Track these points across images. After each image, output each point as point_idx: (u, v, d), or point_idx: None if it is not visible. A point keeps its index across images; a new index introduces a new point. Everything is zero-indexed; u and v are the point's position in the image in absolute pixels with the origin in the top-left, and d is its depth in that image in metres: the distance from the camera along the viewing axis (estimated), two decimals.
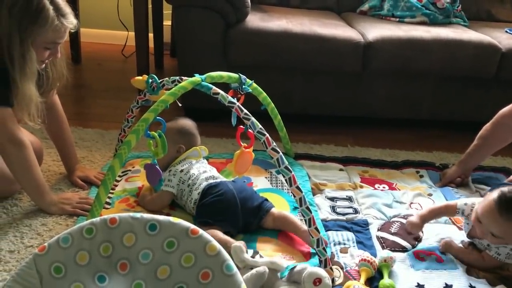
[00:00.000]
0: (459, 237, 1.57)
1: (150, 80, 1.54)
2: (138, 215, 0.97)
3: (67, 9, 1.37)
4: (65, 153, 1.73)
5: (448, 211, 1.57)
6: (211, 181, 1.54)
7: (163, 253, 0.94)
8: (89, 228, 0.95)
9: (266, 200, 1.56)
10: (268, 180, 1.83)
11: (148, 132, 1.42)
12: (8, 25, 1.29)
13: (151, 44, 2.81)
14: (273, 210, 1.53)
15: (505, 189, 1.36)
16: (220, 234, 1.39)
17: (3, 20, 1.29)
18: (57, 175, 1.78)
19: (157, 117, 1.43)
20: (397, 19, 2.56)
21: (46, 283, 0.91)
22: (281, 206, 1.65)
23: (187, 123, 1.68)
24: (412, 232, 1.55)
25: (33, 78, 1.38)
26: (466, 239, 1.55)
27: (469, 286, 1.37)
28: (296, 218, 1.51)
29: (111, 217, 0.96)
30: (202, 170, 1.58)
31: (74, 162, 1.75)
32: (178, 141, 1.62)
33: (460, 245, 1.53)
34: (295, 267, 1.25)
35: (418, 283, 1.37)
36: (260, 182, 1.81)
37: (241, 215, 1.47)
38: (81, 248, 0.95)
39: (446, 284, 1.37)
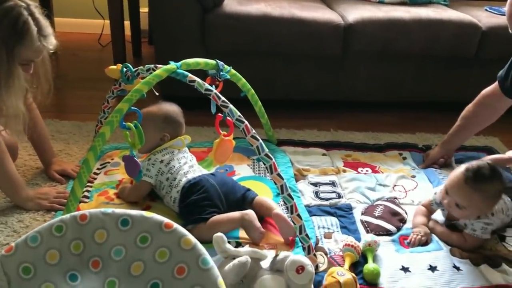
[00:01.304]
0: (442, 218, 1.56)
1: (125, 69, 1.50)
2: (109, 210, 0.93)
3: (48, 29, 1.38)
4: (41, 147, 1.70)
5: (429, 209, 1.56)
6: (190, 176, 1.49)
7: (137, 248, 0.91)
8: (58, 225, 0.91)
9: (249, 190, 1.53)
10: (251, 168, 1.81)
11: (124, 123, 1.38)
12: None
13: (128, 32, 2.75)
14: (256, 198, 1.50)
15: (474, 162, 1.42)
16: (223, 215, 1.38)
17: None
18: (33, 170, 1.73)
19: (132, 107, 1.39)
20: (377, 0, 2.53)
21: (14, 284, 0.87)
22: (264, 193, 1.63)
23: (174, 110, 1.61)
24: (427, 239, 1.47)
25: (21, 95, 1.39)
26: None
27: (453, 267, 1.37)
28: (270, 201, 1.49)
29: (81, 213, 0.93)
30: (183, 162, 1.54)
31: (51, 156, 1.72)
32: (163, 129, 1.56)
33: (444, 226, 1.52)
34: (277, 255, 1.23)
35: (402, 266, 1.36)
36: (242, 170, 1.78)
37: (226, 209, 1.44)
38: (51, 246, 0.91)
39: (430, 265, 1.37)
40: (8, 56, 1.30)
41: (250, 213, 1.38)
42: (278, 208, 1.45)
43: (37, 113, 1.64)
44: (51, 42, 1.39)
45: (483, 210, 1.42)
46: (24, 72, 1.40)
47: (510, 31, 1.40)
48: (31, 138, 1.67)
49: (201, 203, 1.41)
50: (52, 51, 1.43)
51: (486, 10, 2.52)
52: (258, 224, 1.36)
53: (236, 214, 1.39)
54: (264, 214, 1.47)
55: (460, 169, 1.42)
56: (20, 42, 1.31)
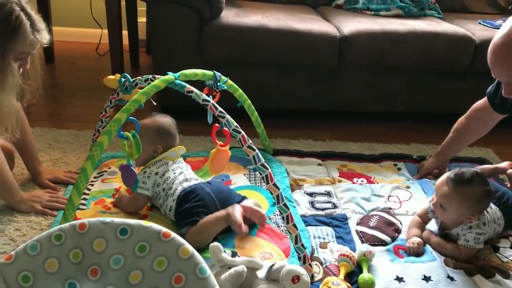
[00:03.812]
0: (436, 227, 1.58)
1: (123, 79, 1.51)
2: (108, 219, 0.94)
3: (41, 25, 1.38)
4: (29, 156, 1.70)
5: (423, 218, 1.59)
6: (185, 184, 1.50)
7: (135, 257, 0.92)
8: (58, 234, 0.92)
9: (245, 197, 1.55)
10: (247, 177, 1.82)
11: (121, 132, 1.40)
12: None
13: (126, 41, 2.77)
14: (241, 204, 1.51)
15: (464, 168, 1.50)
16: (212, 215, 1.39)
17: None
18: (30, 178, 1.73)
19: (130, 117, 1.40)
20: (373, 13, 2.57)
21: None
22: (260, 203, 1.64)
23: (167, 122, 1.62)
24: (420, 252, 1.48)
25: (15, 91, 1.38)
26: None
27: (447, 277, 1.39)
28: (249, 202, 1.51)
29: (80, 222, 0.93)
30: (178, 172, 1.54)
31: (38, 164, 1.72)
32: (155, 142, 1.56)
33: (438, 237, 1.54)
34: (273, 265, 1.24)
35: (397, 276, 1.38)
36: (238, 180, 1.79)
37: None
38: (50, 255, 0.92)
39: (424, 276, 1.39)
40: (2, 53, 1.30)
41: (232, 208, 1.39)
42: (247, 202, 1.49)
43: (25, 121, 1.64)
44: (45, 37, 1.39)
45: (463, 212, 1.45)
46: (21, 68, 1.40)
47: (493, 75, 1.42)
48: (18, 146, 1.67)
49: (196, 210, 1.43)
50: (46, 45, 1.43)
51: (479, 23, 2.56)
52: (236, 217, 1.38)
53: (221, 212, 1.41)
54: (252, 218, 1.48)
55: (449, 172, 1.49)
56: (13, 38, 1.31)
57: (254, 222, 1.49)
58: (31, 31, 1.33)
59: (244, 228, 1.39)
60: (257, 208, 1.48)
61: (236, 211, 1.40)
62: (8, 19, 1.29)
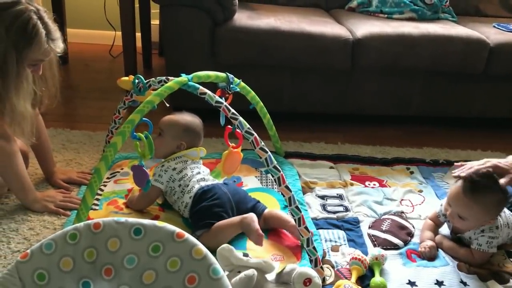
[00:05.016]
0: (448, 230, 1.57)
1: (137, 81, 1.52)
2: (122, 219, 0.95)
3: (57, 34, 1.41)
4: (44, 157, 1.72)
5: (435, 222, 1.58)
6: (203, 183, 1.51)
7: (149, 257, 0.93)
8: (72, 233, 0.93)
9: (259, 202, 1.55)
10: (258, 180, 1.82)
11: (135, 133, 1.41)
12: (5, 46, 1.31)
13: (139, 43, 2.79)
14: (266, 210, 1.53)
15: (473, 170, 1.47)
16: (224, 221, 1.40)
17: (0, 40, 1.31)
18: (43, 178, 1.75)
19: (144, 118, 1.41)
20: (386, 16, 2.56)
21: None
22: (271, 205, 1.64)
23: (196, 121, 1.64)
24: (433, 256, 1.47)
25: (29, 97, 1.41)
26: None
27: (460, 282, 1.37)
28: (285, 214, 1.52)
29: (95, 222, 0.94)
30: (196, 171, 1.56)
31: (52, 165, 1.75)
32: (181, 138, 1.58)
33: (451, 241, 1.52)
34: (284, 268, 1.23)
35: (409, 280, 1.37)
36: (250, 182, 1.80)
37: None
38: (65, 254, 0.93)
39: (437, 280, 1.37)
40: (17, 59, 1.33)
41: (249, 216, 1.39)
42: (293, 220, 1.45)
43: (41, 123, 1.66)
44: (59, 46, 1.42)
45: (485, 219, 1.43)
46: (33, 74, 1.43)
47: None
48: (34, 147, 1.69)
49: (212, 210, 1.43)
50: (59, 54, 1.45)
51: (494, 26, 2.53)
52: (256, 226, 1.37)
53: (236, 218, 1.41)
54: (276, 226, 1.50)
55: (460, 180, 1.45)
56: (29, 45, 1.34)
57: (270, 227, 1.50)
58: (46, 40, 1.36)
59: (261, 236, 1.36)
60: (288, 217, 1.48)
61: (254, 219, 1.39)
62: (25, 26, 1.32)
